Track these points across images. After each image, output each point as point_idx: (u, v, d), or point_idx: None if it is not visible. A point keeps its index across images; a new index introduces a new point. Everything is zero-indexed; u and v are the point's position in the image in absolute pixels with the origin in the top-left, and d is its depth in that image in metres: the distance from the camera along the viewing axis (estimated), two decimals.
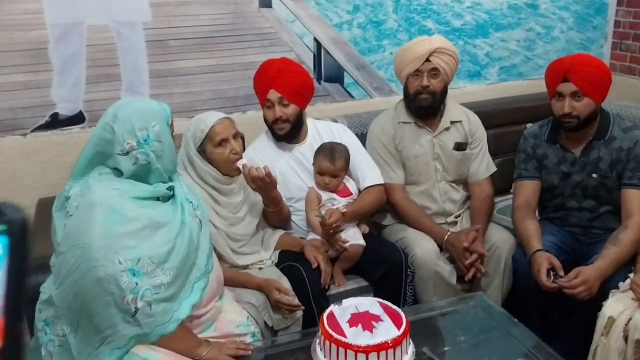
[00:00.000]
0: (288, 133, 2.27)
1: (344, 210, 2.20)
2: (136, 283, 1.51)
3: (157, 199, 1.68)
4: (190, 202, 1.74)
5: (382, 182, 2.38)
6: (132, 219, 1.56)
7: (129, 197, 1.59)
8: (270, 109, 2.23)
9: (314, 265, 2.09)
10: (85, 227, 1.53)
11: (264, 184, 2.01)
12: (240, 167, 2.01)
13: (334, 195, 2.27)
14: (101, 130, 1.63)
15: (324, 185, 2.25)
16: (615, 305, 1.86)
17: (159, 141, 1.62)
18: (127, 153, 1.60)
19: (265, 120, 2.29)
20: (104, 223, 1.52)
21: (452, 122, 2.46)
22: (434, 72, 2.32)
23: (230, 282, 2.01)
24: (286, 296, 1.97)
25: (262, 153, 2.30)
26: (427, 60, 2.30)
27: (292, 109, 2.23)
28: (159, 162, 1.63)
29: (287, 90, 2.21)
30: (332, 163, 2.22)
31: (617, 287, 1.95)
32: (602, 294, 1.94)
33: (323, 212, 2.18)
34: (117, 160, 1.61)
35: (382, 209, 2.52)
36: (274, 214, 2.19)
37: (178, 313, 1.59)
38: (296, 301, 1.99)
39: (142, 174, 1.64)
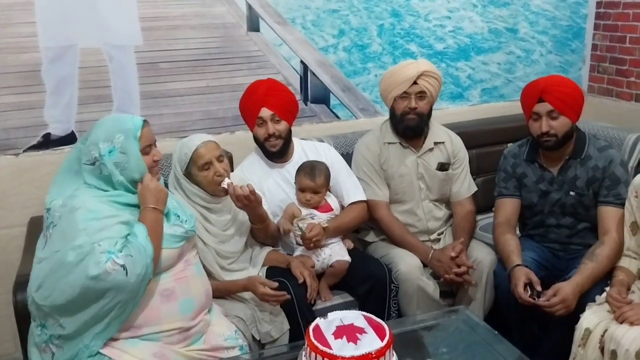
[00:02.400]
0: (280, 149, 2.34)
1: (326, 225, 2.26)
2: (109, 251, 1.58)
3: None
4: (178, 215, 1.82)
5: (365, 199, 2.45)
6: (107, 216, 1.64)
7: (108, 201, 1.67)
8: (262, 126, 2.30)
9: (300, 281, 2.14)
10: (68, 231, 1.60)
11: (249, 201, 2.06)
12: (225, 186, 2.06)
13: (314, 211, 2.33)
14: (80, 144, 1.73)
15: (305, 202, 2.31)
16: (592, 318, 1.92)
17: (123, 153, 1.69)
18: (92, 164, 1.69)
19: (257, 139, 2.35)
20: (83, 222, 1.60)
21: (435, 144, 2.53)
22: (421, 94, 2.40)
23: (217, 292, 2.04)
24: (271, 288, 2.01)
25: (250, 172, 2.36)
26: (415, 83, 2.38)
27: (283, 125, 2.31)
28: (122, 174, 1.69)
29: (278, 107, 2.29)
30: (312, 180, 2.28)
31: (594, 301, 2.01)
32: (580, 308, 2.00)
33: (303, 225, 2.24)
34: (83, 170, 1.70)
35: (367, 226, 2.58)
36: (261, 230, 2.24)
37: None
38: (281, 292, 2.02)
39: (110, 186, 1.71)
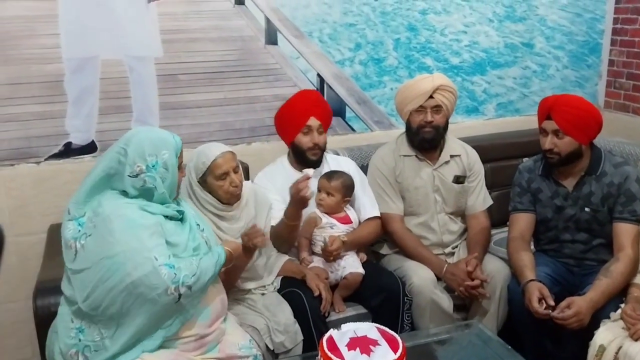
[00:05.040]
0: (319, 159, 2.40)
1: (345, 238, 2.29)
2: (175, 274, 1.65)
3: (166, 217, 1.78)
4: (197, 224, 1.87)
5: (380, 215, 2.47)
6: (150, 224, 1.70)
7: (139, 207, 1.71)
8: (307, 135, 2.34)
9: (316, 294, 2.16)
10: (110, 240, 1.64)
11: (303, 197, 2.14)
12: (305, 173, 2.18)
13: (334, 221, 2.36)
14: (115, 154, 1.75)
15: (318, 202, 2.34)
16: (606, 334, 1.91)
17: (165, 169, 1.74)
18: (136, 175, 1.72)
19: (298, 147, 2.37)
20: (128, 230, 1.65)
21: (451, 156, 2.54)
22: (437, 108, 2.42)
23: (226, 274, 2.00)
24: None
25: (275, 176, 2.39)
26: (431, 97, 2.40)
27: (324, 138, 2.38)
28: (163, 187, 1.75)
29: (324, 119, 2.37)
30: (328, 181, 2.33)
31: (608, 317, 2.00)
32: (594, 324, 2.00)
33: (324, 234, 2.28)
34: (125, 181, 1.72)
35: (380, 239, 2.59)
36: (291, 228, 2.25)
37: (212, 279, 1.79)
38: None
39: (146, 197, 1.75)
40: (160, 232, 1.71)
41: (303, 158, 2.38)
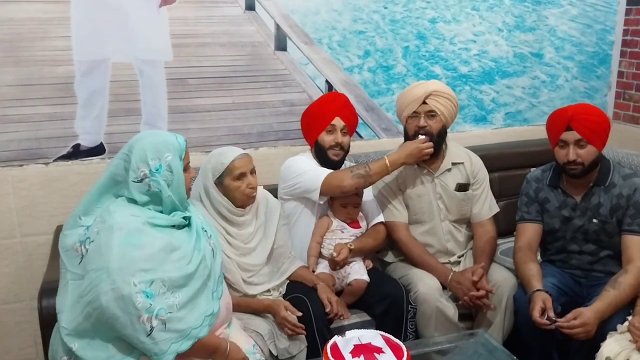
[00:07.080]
0: (340, 160, 2.42)
1: (352, 246, 2.29)
2: (150, 303, 1.59)
3: (173, 226, 1.77)
4: (205, 230, 1.85)
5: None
6: (148, 243, 1.64)
7: (147, 223, 1.68)
8: (331, 134, 2.38)
9: (328, 309, 2.15)
10: (103, 251, 1.61)
11: (426, 155, 2.34)
12: (423, 137, 2.35)
13: (345, 225, 2.38)
14: (119, 160, 1.75)
15: (346, 215, 2.40)
16: (613, 346, 1.89)
17: (170, 171, 1.73)
18: (140, 180, 1.71)
19: (320, 146, 2.40)
20: (122, 246, 1.60)
21: (453, 164, 2.53)
22: (431, 113, 2.41)
23: (237, 306, 2.06)
24: (292, 315, 2.04)
25: (307, 160, 2.42)
26: (424, 102, 2.40)
27: (347, 139, 2.42)
28: (170, 190, 1.73)
29: (349, 122, 2.42)
30: (360, 196, 2.40)
31: (615, 329, 1.98)
32: (600, 336, 1.98)
33: (334, 237, 2.32)
34: (131, 187, 1.71)
35: (386, 247, 2.59)
36: (384, 174, 2.34)
37: (196, 331, 1.67)
38: (300, 324, 2.05)
39: (155, 202, 1.74)
40: (158, 254, 1.64)
41: (324, 157, 2.40)
